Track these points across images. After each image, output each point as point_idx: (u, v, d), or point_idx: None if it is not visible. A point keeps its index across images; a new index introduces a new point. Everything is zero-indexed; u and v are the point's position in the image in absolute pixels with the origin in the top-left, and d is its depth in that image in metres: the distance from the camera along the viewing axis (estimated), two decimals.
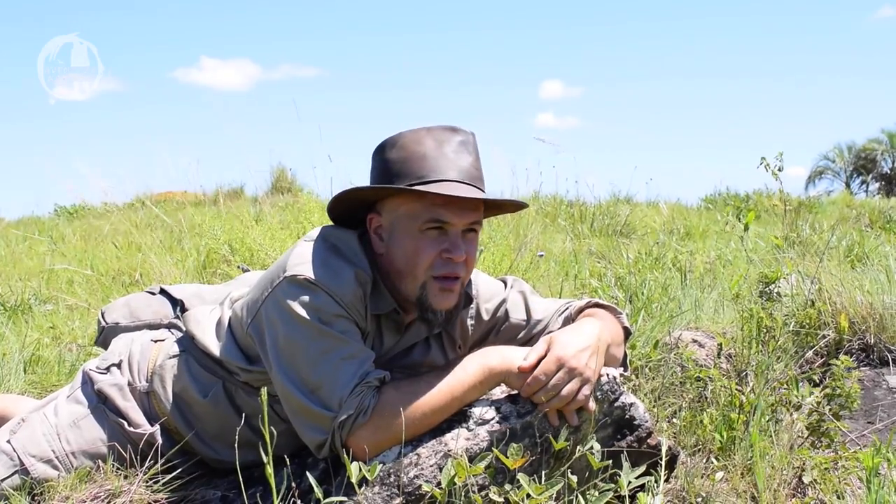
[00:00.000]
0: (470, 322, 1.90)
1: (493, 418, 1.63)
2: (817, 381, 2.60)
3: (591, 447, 1.61)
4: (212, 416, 1.82)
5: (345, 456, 1.53)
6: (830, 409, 2.07)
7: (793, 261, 3.67)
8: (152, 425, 1.85)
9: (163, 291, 2.18)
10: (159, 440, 1.84)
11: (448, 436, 1.61)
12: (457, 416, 1.63)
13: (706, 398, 2.28)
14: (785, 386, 2.20)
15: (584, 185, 10.43)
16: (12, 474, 1.79)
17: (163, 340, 1.97)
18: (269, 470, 1.20)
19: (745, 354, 2.52)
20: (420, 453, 1.58)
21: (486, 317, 1.91)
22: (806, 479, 1.93)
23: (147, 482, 1.77)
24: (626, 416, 1.72)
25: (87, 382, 1.93)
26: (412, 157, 1.64)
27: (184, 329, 1.95)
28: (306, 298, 1.61)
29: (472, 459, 1.54)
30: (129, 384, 1.89)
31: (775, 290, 2.75)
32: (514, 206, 1.81)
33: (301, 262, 1.65)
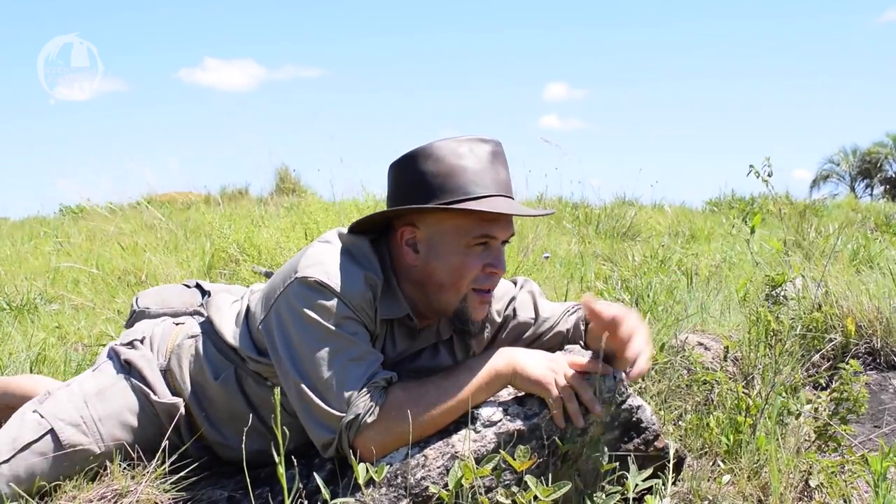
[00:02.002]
0: (486, 328, 1.90)
1: (500, 420, 1.63)
2: (824, 385, 2.60)
3: (599, 450, 1.61)
4: (222, 399, 1.84)
5: (352, 456, 1.54)
6: (838, 414, 2.07)
7: (798, 264, 3.66)
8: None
9: (198, 286, 2.24)
10: (182, 411, 1.86)
11: (455, 437, 1.61)
12: (464, 418, 1.63)
13: (712, 401, 2.28)
14: (786, 393, 2.19)
15: (589, 187, 10.42)
16: (42, 436, 1.78)
17: (184, 324, 2.01)
18: (281, 470, 1.20)
19: (751, 358, 2.51)
20: (427, 455, 1.59)
21: (497, 318, 1.91)
22: (813, 483, 1.92)
23: (154, 481, 1.77)
24: (634, 419, 1.72)
25: (113, 357, 1.96)
26: (454, 171, 1.64)
27: (206, 314, 1.99)
28: (316, 300, 1.62)
29: (479, 461, 1.54)
30: None
31: (782, 294, 2.75)
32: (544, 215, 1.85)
33: (312, 263, 1.66)
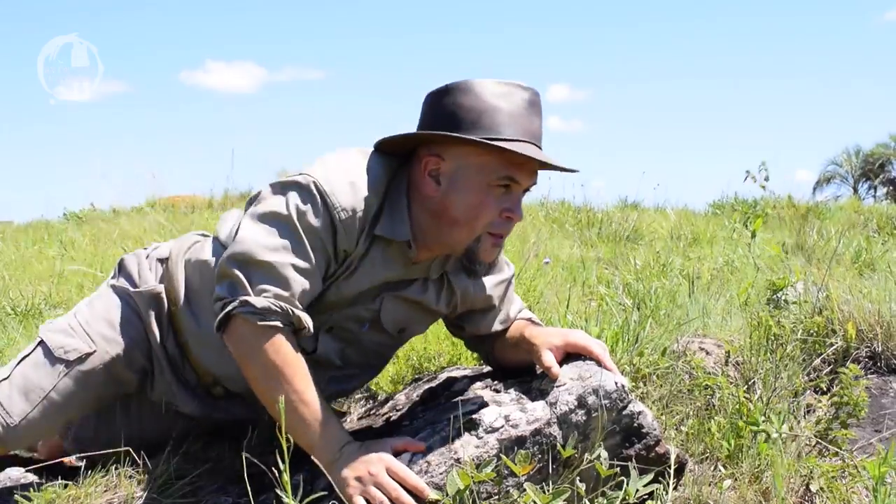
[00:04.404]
0: (491, 271, 1.92)
1: (502, 426, 1.64)
2: (825, 390, 2.61)
3: (599, 455, 1.62)
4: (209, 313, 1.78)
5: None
6: (839, 418, 2.08)
7: (800, 267, 3.67)
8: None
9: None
10: (165, 300, 1.88)
11: (458, 443, 1.62)
12: (466, 424, 1.65)
13: (714, 406, 2.29)
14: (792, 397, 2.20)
15: (592, 189, 10.43)
16: (34, 348, 1.84)
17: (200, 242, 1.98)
18: (286, 477, 1.22)
19: (752, 362, 2.52)
20: (430, 461, 1.60)
21: (503, 276, 1.93)
22: (813, 488, 1.94)
23: (160, 487, 1.79)
24: (635, 425, 1.73)
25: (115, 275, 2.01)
26: (489, 109, 1.62)
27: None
28: (304, 199, 1.62)
29: (480, 467, 1.55)
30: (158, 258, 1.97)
31: (783, 298, 2.76)
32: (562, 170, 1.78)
33: (321, 167, 1.66)
